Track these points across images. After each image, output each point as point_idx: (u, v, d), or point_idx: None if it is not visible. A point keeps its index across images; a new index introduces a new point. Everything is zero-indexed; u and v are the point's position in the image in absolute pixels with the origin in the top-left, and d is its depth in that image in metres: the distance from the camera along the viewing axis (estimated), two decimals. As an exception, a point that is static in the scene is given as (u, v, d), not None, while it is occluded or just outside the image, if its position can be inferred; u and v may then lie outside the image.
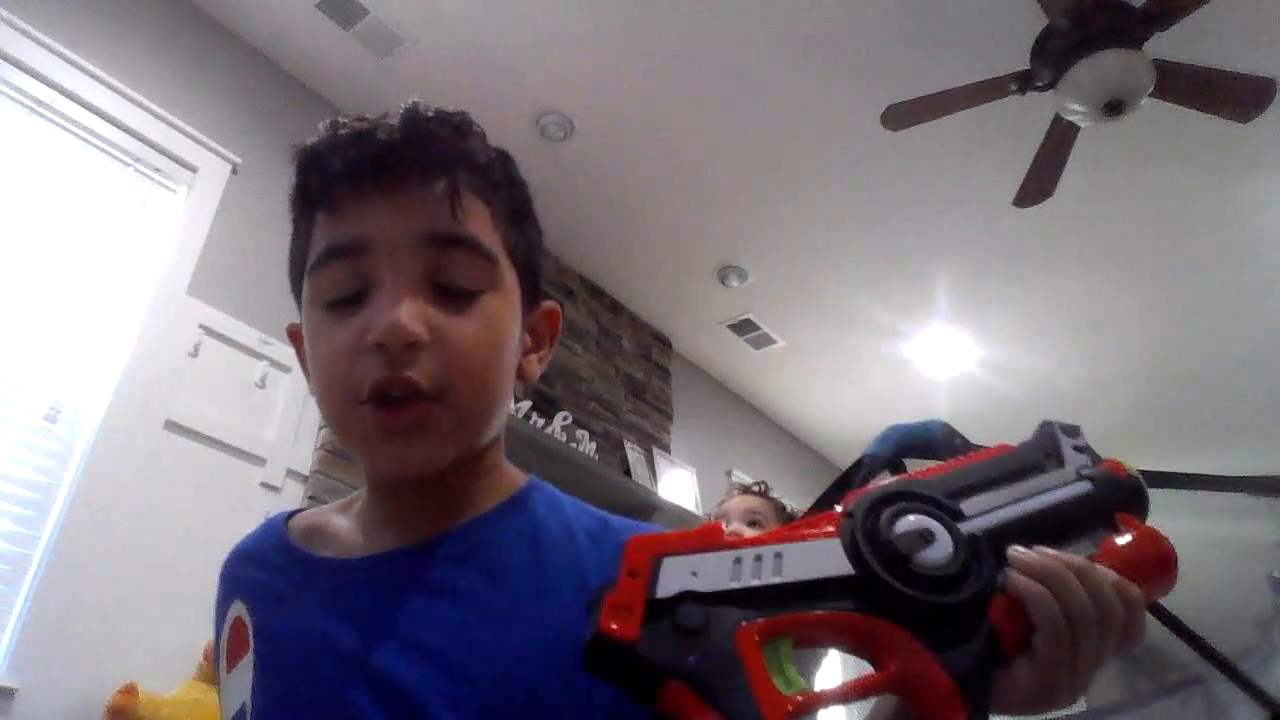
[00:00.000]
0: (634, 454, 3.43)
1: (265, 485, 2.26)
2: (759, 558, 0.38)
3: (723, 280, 3.64)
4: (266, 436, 2.31)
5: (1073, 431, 0.47)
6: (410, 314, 0.50)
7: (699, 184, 3.18)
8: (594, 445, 3.12)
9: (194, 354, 2.24)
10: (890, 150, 2.88)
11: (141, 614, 1.93)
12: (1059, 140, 2.52)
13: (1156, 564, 0.42)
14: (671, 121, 2.92)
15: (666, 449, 3.68)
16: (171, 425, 2.13)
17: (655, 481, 3.41)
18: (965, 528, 0.40)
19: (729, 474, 4.06)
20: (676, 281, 3.69)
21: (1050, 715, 0.40)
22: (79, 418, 2.01)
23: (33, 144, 2.13)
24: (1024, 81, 2.39)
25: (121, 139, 2.27)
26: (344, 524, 0.61)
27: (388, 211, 0.53)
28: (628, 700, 0.35)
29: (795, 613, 0.37)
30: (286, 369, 2.37)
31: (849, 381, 4.31)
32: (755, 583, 0.37)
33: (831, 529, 0.40)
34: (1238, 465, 4.43)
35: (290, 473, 2.32)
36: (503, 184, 0.58)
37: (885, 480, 0.45)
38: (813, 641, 0.38)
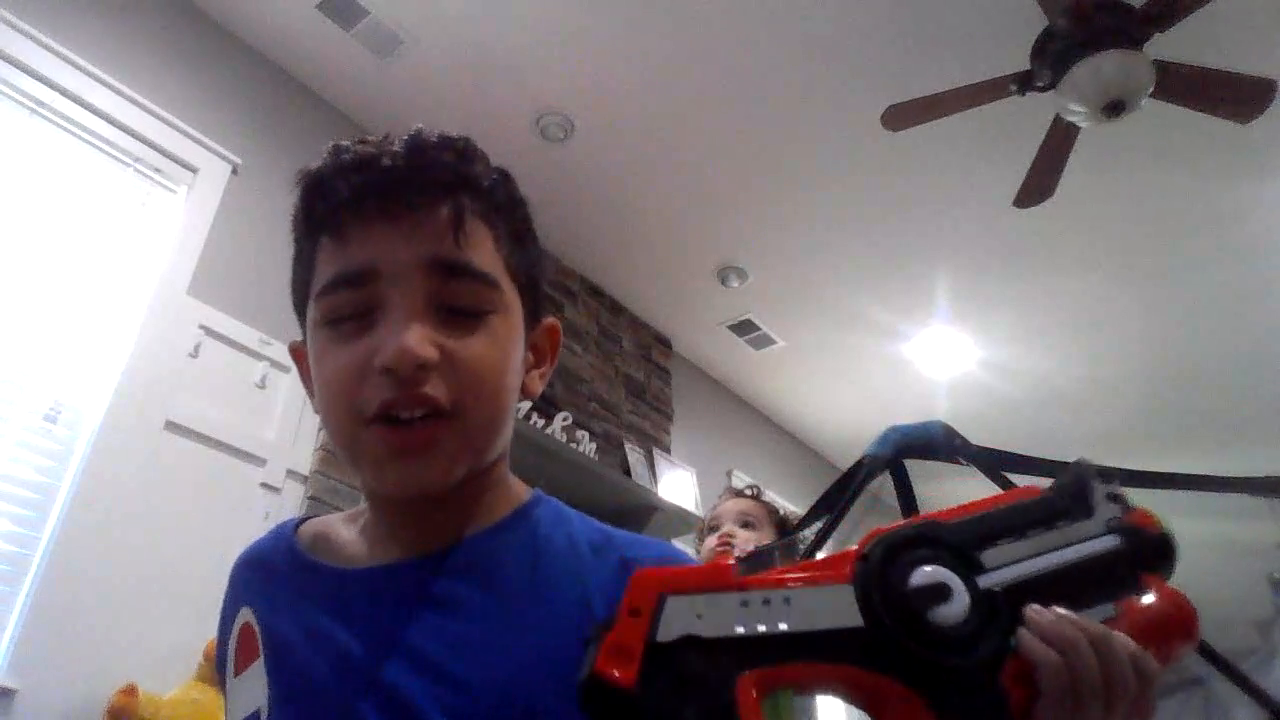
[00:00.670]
0: (634, 454, 3.43)
1: (265, 485, 2.26)
2: (767, 601, 0.37)
3: (723, 280, 3.64)
4: (266, 436, 2.31)
5: (1108, 476, 0.44)
6: (418, 338, 0.51)
7: (699, 184, 3.18)
8: (594, 446, 3.12)
9: (194, 354, 2.24)
10: (890, 150, 2.88)
11: (141, 614, 1.93)
12: (1059, 141, 2.52)
13: (1178, 629, 0.41)
14: (671, 121, 2.92)
15: (666, 449, 3.68)
16: (171, 425, 2.13)
17: (655, 482, 3.41)
18: (984, 581, 0.39)
19: (729, 474, 4.06)
20: (676, 282, 3.69)
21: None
22: (79, 418, 2.01)
23: (33, 144, 2.13)
24: (1024, 82, 2.39)
25: (121, 139, 2.27)
26: (350, 535, 0.61)
27: (393, 238, 0.53)
28: None
29: (800, 663, 0.36)
30: (286, 369, 2.37)
31: (849, 381, 4.31)
32: (761, 629, 0.36)
33: (847, 572, 0.39)
34: (1238, 465, 4.42)
35: (290, 473, 2.32)
36: (505, 205, 0.59)
37: (884, 476, 0.44)
38: (815, 691, 0.37)
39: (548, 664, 0.50)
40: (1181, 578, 0.43)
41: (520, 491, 0.62)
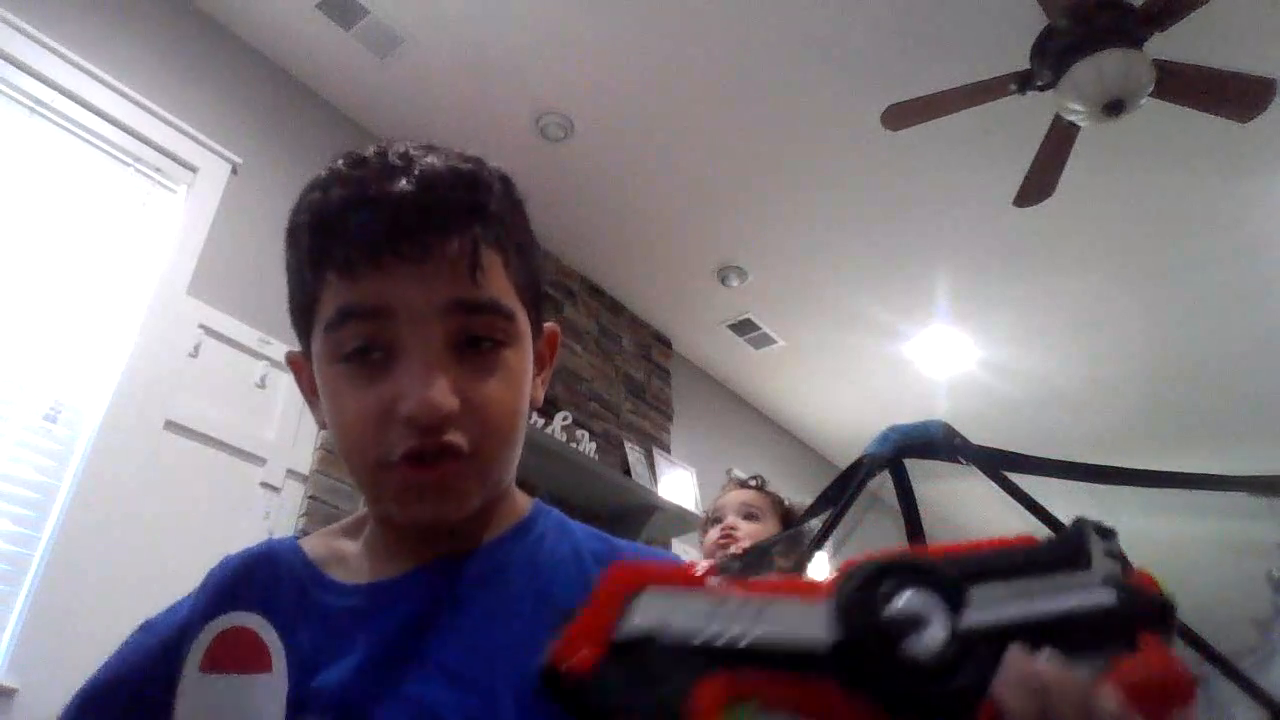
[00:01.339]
0: (634, 454, 3.43)
1: (265, 485, 2.26)
2: (740, 608, 0.36)
3: (723, 280, 3.64)
4: (266, 436, 2.31)
5: (1108, 534, 0.42)
6: (442, 390, 0.51)
7: (699, 184, 3.18)
8: (594, 445, 3.12)
9: (194, 354, 2.24)
10: (890, 150, 2.88)
11: (141, 614, 1.91)
12: (1059, 140, 2.52)
13: (1172, 695, 0.38)
14: (671, 121, 2.92)
15: (666, 449, 3.68)
16: (171, 425, 2.13)
17: (655, 481, 3.41)
18: (968, 617, 0.37)
19: (729, 473, 4.06)
20: (676, 281, 3.69)
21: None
22: (79, 418, 2.01)
23: (33, 144, 2.13)
24: (1024, 81, 2.39)
25: (121, 139, 2.27)
26: (353, 548, 0.62)
27: (408, 279, 0.52)
28: None
29: (765, 673, 0.35)
30: (286, 369, 2.37)
31: (849, 381, 4.31)
32: (730, 633, 0.35)
33: (827, 589, 0.37)
34: (1238, 465, 4.42)
35: (290, 473, 2.32)
36: (510, 221, 0.58)
37: (888, 476, 0.44)
38: (779, 707, 0.36)
39: None
40: (1182, 577, 0.42)
41: (523, 503, 0.63)
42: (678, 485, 3.52)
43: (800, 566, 0.68)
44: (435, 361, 0.52)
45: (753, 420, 4.56)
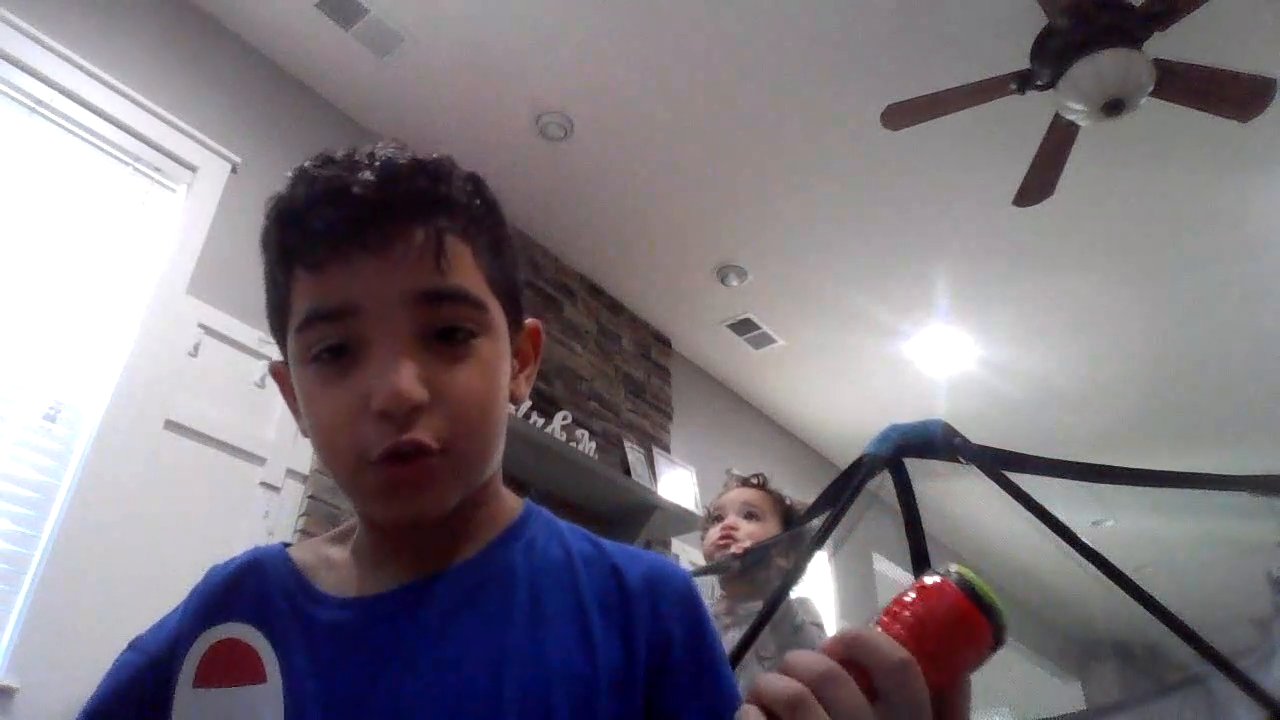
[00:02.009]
0: (634, 453, 3.42)
1: (265, 485, 2.26)
2: None
3: (723, 280, 3.64)
4: (266, 436, 2.31)
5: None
6: (410, 379, 0.50)
7: (699, 184, 3.18)
8: (594, 445, 3.12)
9: (194, 354, 2.24)
10: (890, 150, 2.88)
11: (141, 614, 1.91)
12: (1059, 140, 2.52)
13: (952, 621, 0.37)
14: (671, 121, 2.92)
15: (666, 448, 3.68)
16: (171, 425, 2.13)
17: (655, 481, 3.41)
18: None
19: (729, 472, 4.06)
20: (676, 281, 3.69)
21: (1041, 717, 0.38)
22: (79, 418, 2.01)
23: (33, 144, 2.13)
24: (1024, 81, 2.39)
25: (121, 139, 2.27)
26: (341, 557, 0.61)
27: (372, 272, 0.52)
28: None
29: None
30: (286, 369, 2.37)
31: (849, 381, 4.31)
32: None
33: None
34: (1238, 465, 4.42)
35: (290, 472, 2.32)
36: (480, 216, 0.58)
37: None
38: None
39: (556, 675, 0.51)
40: (1182, 576, 0.42)
41: (513, 505, 0.63)
42: (677, 485, 3.52)
43: (800, 566, 0.68)
44: (403, 351, 0.51)
45: (752, 420, 4.56)
